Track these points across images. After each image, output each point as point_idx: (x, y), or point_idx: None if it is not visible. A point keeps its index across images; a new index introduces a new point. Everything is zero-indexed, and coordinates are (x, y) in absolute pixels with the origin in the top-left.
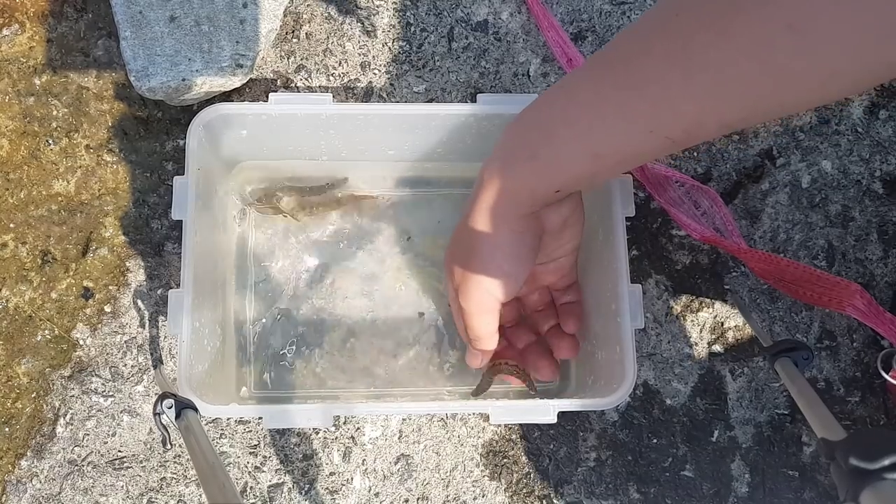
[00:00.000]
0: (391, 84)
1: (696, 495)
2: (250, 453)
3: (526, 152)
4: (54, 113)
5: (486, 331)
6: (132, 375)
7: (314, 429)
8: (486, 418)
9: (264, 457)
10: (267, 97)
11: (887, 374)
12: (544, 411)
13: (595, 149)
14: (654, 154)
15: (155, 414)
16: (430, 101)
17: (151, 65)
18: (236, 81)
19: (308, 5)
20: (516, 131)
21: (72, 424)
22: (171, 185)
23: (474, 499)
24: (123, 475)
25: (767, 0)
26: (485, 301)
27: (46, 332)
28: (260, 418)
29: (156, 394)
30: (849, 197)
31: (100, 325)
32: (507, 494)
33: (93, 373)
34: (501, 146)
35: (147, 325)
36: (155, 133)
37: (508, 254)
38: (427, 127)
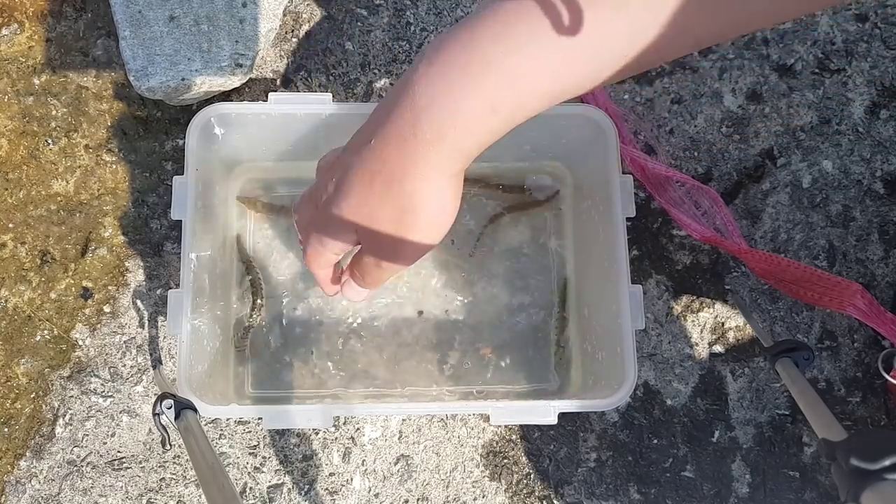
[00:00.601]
0: (391, 84)
1: (697, 496)
2: (250, 454)
3: (485, 106)
4: (53, 113)
5: (385, 281)
6: (131, 376)
7: (314, 429)
8: (487, 419)
9: (264, 457)
10: (266, 97)
11: (888, 374)
12: (545, 412)
13: (562, 86)
14: (618, 77)
15: (154, 414)
16: None
17: (151, 64)
18: (236, 81)
19: (308, 5)
20: (461, 79)
21: (71, 425)
22: (171, 185)
23: (474, 499)
24: (123, 476)
25: None
26: (415, 258)
27: (45, 332)
28: (259, 419)
29: (155, 394)
30: (850, 197)
31: (99, 326)
32: (507, 495)
33: (92, 373)
34: (439, 97)
35: (146, 325)
36: (154, 133)
37: (452, 211)
38: None
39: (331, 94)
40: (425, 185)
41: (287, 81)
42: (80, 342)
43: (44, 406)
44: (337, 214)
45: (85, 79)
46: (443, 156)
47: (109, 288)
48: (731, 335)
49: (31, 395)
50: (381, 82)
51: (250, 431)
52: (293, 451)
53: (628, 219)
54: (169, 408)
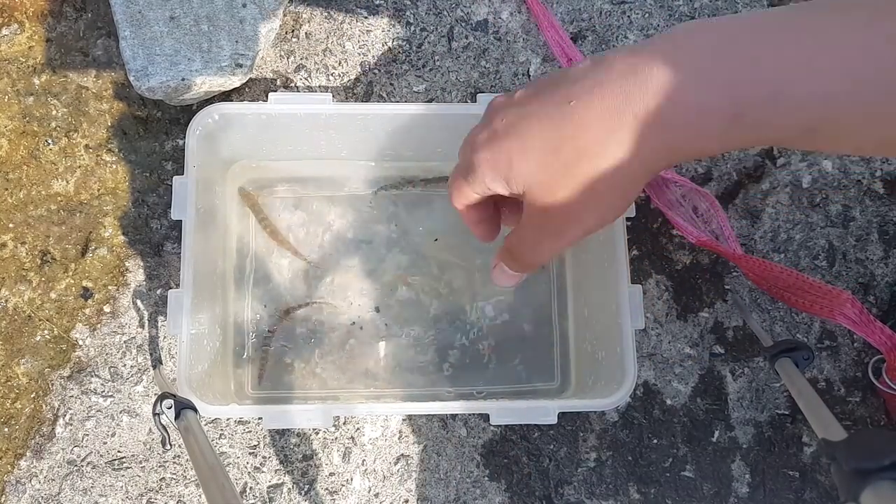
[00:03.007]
0: (391, 84)
1: (697, 496)
2: (250, 454)
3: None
4: (54, 113)
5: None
6: (132, 376)
7: (314, 429)
8: (487, 419)
9: (264, 457)
10: (266, 97)
11: (877, 380)
12: (545, 412)
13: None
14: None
15: (154, 414)
16: (430, 101)
17: (151, 64)
18: (236, 81)
19: (308, 5)
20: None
21: (71, 425)
22: (171, 185)
23: (474, 499)
24: (123, 475)
25: None
26: (575, 240)
27: (46, 332)
28: (260, 419)
29: (155, 394)
30: (849, 197)
31: (99, 326)
32: (507, 495)
33: (92, 373)
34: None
35: (146, 325)
36: (154, 133)
37: (630, 201)
38: (427, 127)
39: (331, 94)
40: (620, 171)
41: (287, 81)
42: (81, 342)
43: (44, 406)
44: (503, 157)
45: (85, 79)
46: (669, 139)
47: (109, 288)
48: (730, 335)
49: (32, 395)
50: (381, 82)
51: (250, 431)
52: (293, 451)
53: (628, 218)
54: (169, 407)
